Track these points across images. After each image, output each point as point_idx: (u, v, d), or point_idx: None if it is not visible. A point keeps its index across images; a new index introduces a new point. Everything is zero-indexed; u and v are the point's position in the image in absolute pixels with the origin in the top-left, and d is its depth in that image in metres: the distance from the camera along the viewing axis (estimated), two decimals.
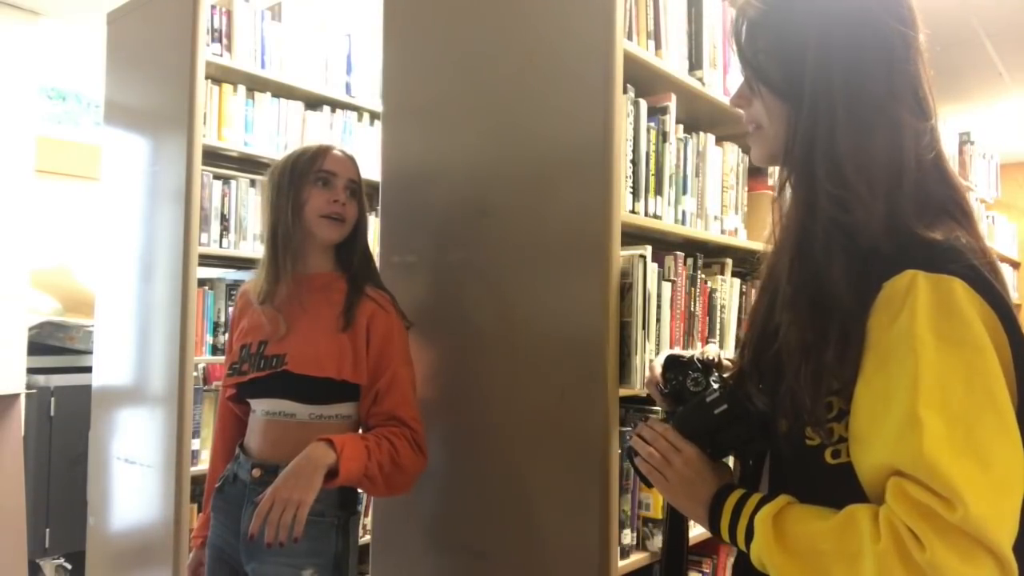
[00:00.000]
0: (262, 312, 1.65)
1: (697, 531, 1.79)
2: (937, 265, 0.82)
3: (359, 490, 1.61)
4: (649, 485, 1.08)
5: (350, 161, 1.70)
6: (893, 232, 0.86)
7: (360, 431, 1.63)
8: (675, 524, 1.20)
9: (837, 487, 0.87)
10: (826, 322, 0.87)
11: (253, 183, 2.77)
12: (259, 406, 1.63)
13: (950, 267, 0.82)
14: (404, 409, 1.58)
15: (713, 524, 0.97)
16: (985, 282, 0.83)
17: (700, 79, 1.83)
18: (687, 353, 1.14)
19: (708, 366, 1.10)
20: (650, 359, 1.12)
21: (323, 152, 1.66)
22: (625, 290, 1.58)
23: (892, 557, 0.78)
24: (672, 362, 1.12)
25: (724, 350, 1.87)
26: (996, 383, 0.80)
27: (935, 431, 0.78)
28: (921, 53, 0.92)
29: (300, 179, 1.63)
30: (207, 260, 2.68)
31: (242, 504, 1.59)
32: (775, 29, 0.93)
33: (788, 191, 0.96)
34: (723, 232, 1.95)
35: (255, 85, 2.76)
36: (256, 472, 1.57)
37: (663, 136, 1.74)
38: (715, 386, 1.05)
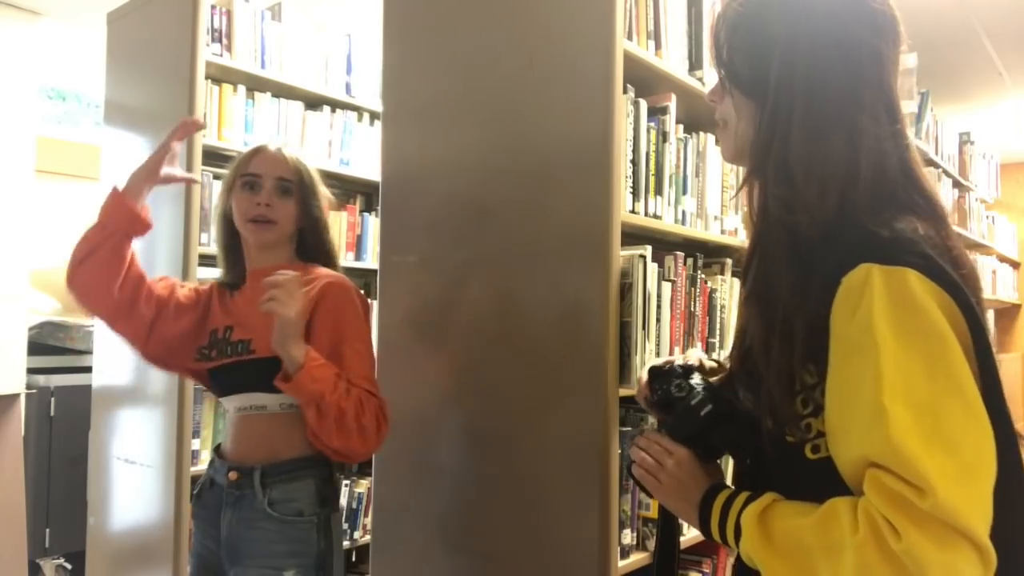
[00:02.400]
0: (231, 300, 1.68)
1: (696, 531, 1.80)
2: (890, 257, 0.83)
3: (337, 484, 1.60)
4: (650, 496, 1.10)
5: (282, 159, 1.66)
6: (845, 231, 0.88)
7: None
8: (667, 525, 1.21)
9: (819, 482, 0.88)
10: (773, 319, 0.90)
11: None
12: (230, 404, 1.62)
13: (903, 258, 0.83)
14: (363, 382, 1.51)
15: (703, 524, 0.99)
16: (939, 269, 0.83)
17: (700, 79, 1.83)
18: (666, 361, 1.16)
19: (689, 370, 1.11)
20: (640, 374, 1.13)
21: (250, 155, 1.67)
22: (625, 290, 1.58)
23: (870, 547, 0.79)
24: (654, 373, 1.13)
25: (723, 349, 1.87)
26: (959, 368, 0.81)
27: (901, 421, 0.79)
28: (894, 63, 0.94)
29: (230, 186, 1.66)
30: (207, 260, 2.68)
31: (220, 509, 1.57)
32: (749, 29, 0.96)
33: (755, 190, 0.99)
34: (723, 232, 1.95)
35: (255, 85, 2.76)
36: (233, 475, 1.55)
37: (663, 136, 1.74)
38: (699, 389, 1.06)
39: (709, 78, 1.85)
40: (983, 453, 0.80)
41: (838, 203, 0.89)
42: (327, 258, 1.72)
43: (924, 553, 0.77)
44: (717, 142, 1.94)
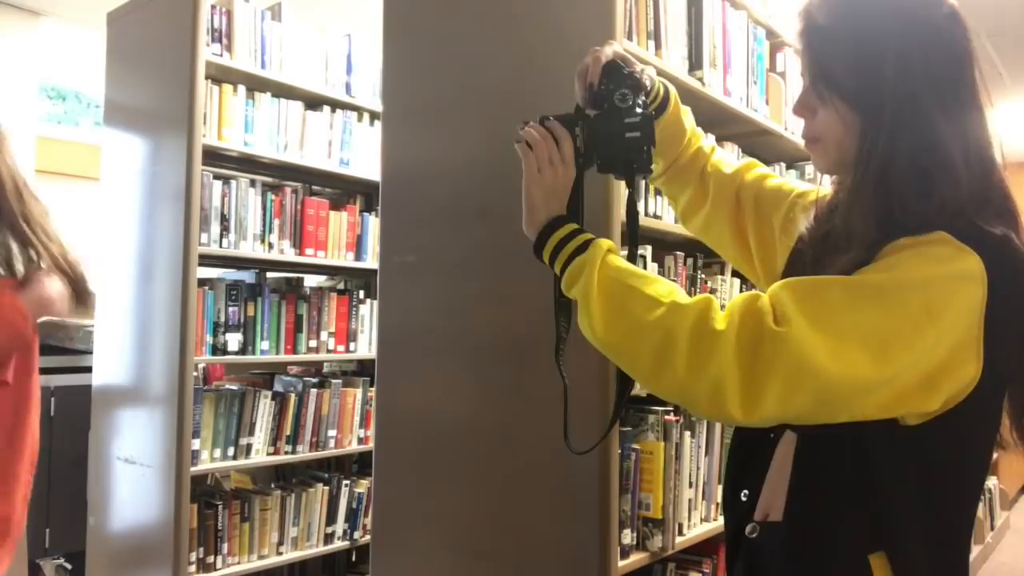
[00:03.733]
0: None
1: (696, 531, 1.80)
2: (968, 240, 0.82)
3: None
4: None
5: None
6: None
7: None
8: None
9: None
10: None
11: (253, 183, 2.77)
12: None
13: (979, 249, 0.82)
14: None
15: (548, 230, 1.04)
16: (1006, 278, 0.82)
17: (700, 79, 1.83)
18: (633, 64, 1.10)
19: (639, 87, 1.08)
20: (599, 48, 1.08)
21: None
22: None
23: (709, 315, 0.84)
24: (613, 69, 1.07)
25: None
26: (908, 339, 0.81)
27: (825, 306, 0.82)
28: (980, 63, 0.94)
29: None
30: (207, 260, 2.68)
31: None
32: (853, 39, 0.93)
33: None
34: None
35: (255, 85, 2.76)
36: None
37: None
38: (638, 110, 1.05)
39: (709, 78, 1.85)
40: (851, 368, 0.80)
41: (939, 205, 0.87)
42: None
43: (744, 359, 0.81)
44: (717, 142, 1.94)
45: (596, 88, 1.07)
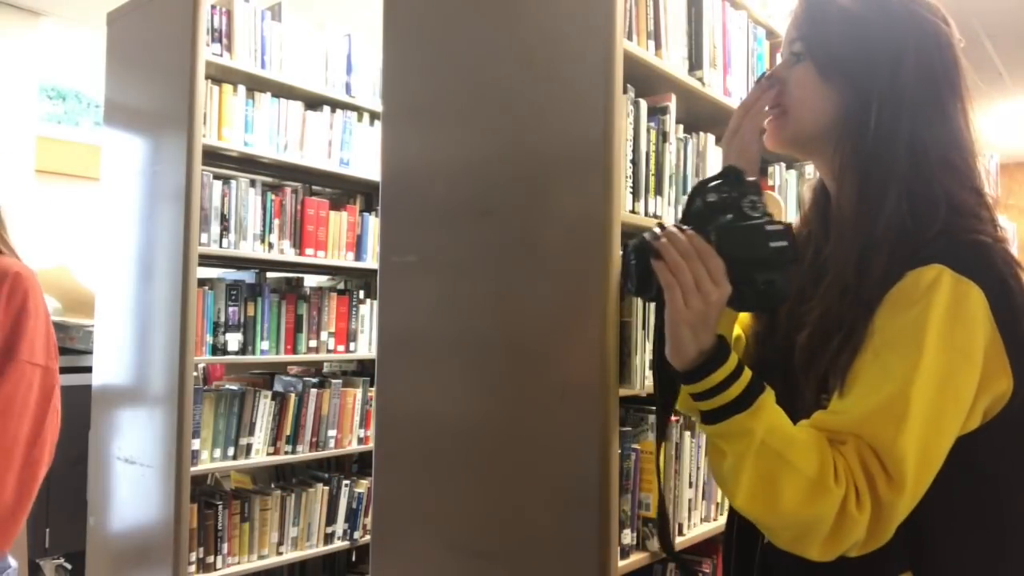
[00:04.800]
0: None
1: (696, 531, 1.80)
2: (964, 268, 0.86)
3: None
4: (644, 292, 0.93)
5: None
6: (928, 223, 0.90)
7: None
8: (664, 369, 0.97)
9: None
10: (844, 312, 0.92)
11: (253, 183, 2.78)
12: None
13: (975, 274, 0.86)
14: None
15: (702, 372, 0.88)
16: (1004, 299, 0.87)
17: (700, 79, 1.83)
18: (742, 171, 0.94)
19: (762, 207, 0.91)
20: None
21: None
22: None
23: (849, 501, 0.84)
24: (733, 173, 0.90)
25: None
26: (965, 389, 0.86)
27: (914, 427, 0.84)
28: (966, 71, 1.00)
29: None
30: (207, 260, 2.68)
31: None
32: (866, 22, 0.96)
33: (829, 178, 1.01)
34: None
35: (255, 85, 2.76)
36: None
37: (663, 136, 1.74)
38: (775, 218, 0.89)
39: (709, 78, 1.85)
40: (942, 453, 0.86)
41: (942, 206, 0.91)
42: None
43: (872, 527, 0.84)
44: (718, 142, 1.94)
45: (707, 198, 0.90)
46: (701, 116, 1.94)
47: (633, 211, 1.64)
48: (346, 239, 3.01)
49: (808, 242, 1.04)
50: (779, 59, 1.07)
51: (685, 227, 0.90)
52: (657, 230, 0.92)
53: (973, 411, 0.87)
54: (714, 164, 1.93)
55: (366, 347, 3.05)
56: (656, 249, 0.89)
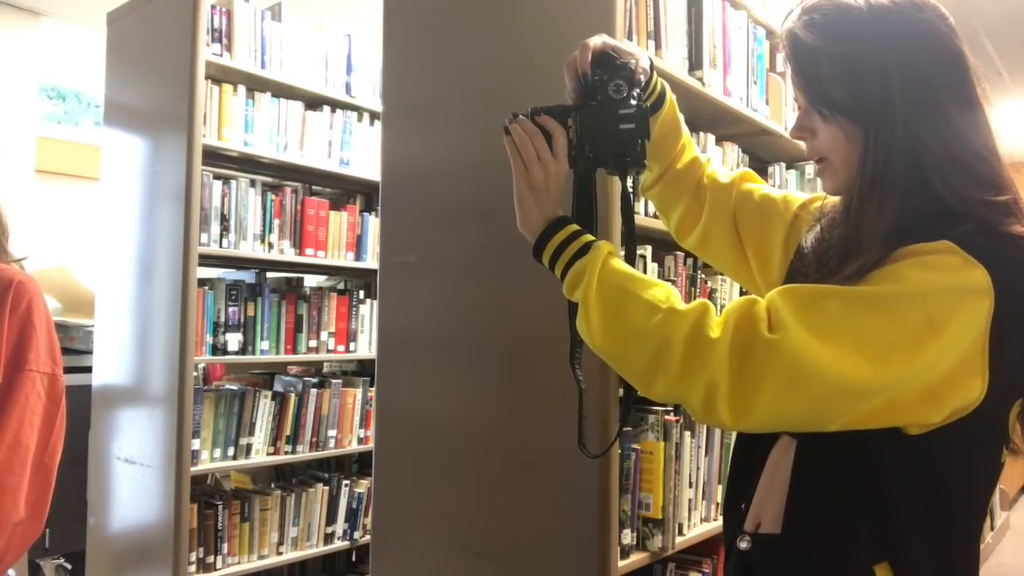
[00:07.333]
0: None
1: (696, 531, 1.80)
2: (974, 250, 0.81)
3: None
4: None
5: None
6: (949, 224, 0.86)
7: None
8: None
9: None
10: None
11: (253, 183, 2.78)
12: None
13: (987, 257, 0.81)
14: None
15: (547, 236, 1.01)
16: (1016, 285, 0.81)
17: (700, 79, 1.83)
18: (627, 54, 1.06)
19: (634, 80, 1.04)
20: (594, 41, 1.04)
21: None
22: None
23: (705, 324, 0.84)
24: (605, 59, 1.03)
25: None
26: (924, 345, 0.80)
27: (819, 316, 0.82)
28: (972, 60, 0.95)
29: None
30: (207, 260, 2.68)
31: None
32: (846, 57, 0.92)
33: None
34: None
35: (255, 85, 2.76)
36: None
37: None
38: (633, 102, 1.01)
39: (709, 78, 1.85)
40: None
41: (946, 208, 0.87)
42: None
43: (734, 367, 0.81)
44: (718, 142, 1.94)
45: (589, 79, 1.03)
46: (701, 116, 1.94)
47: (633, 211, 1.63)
48: (346, 239, 3.01)
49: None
50: (779, 58, 1.06)
51: (542, 111, 1.04)
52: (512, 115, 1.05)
53: (936, 402, 0.82)
54: (714, 164, 1.93)
55: (366, 347, 3.05)
56: (506, 127, 1.04)
